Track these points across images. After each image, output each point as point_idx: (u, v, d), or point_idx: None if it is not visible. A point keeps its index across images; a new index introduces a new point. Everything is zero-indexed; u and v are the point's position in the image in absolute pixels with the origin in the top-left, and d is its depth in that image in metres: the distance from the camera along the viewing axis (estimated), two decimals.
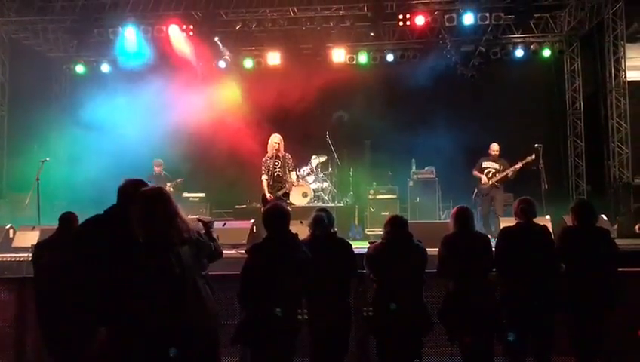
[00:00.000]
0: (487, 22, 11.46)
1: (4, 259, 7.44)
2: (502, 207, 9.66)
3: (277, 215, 4.28)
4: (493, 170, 9.82)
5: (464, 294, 4.60)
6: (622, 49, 11.72)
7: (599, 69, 12.45)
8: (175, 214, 3.28)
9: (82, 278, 3.23)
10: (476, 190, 10.05)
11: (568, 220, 6.29)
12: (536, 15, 12.36)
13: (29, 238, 7.72)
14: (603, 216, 8.41)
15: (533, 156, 9.48)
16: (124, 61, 12.66)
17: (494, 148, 9.93)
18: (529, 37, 12.70)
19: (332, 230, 4.88)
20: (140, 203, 3.25)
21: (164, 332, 3.15)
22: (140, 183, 3.51)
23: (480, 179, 9.88)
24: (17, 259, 7.23)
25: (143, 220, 3.22)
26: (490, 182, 9.77)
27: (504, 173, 9.69)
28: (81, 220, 4.67)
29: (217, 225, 7.33)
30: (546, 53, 12.65)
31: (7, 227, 8.77)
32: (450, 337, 4.78)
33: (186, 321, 3.19)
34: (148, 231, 3.20)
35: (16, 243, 8.38)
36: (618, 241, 5.81)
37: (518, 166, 9.56)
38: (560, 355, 5.06)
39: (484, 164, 9.94)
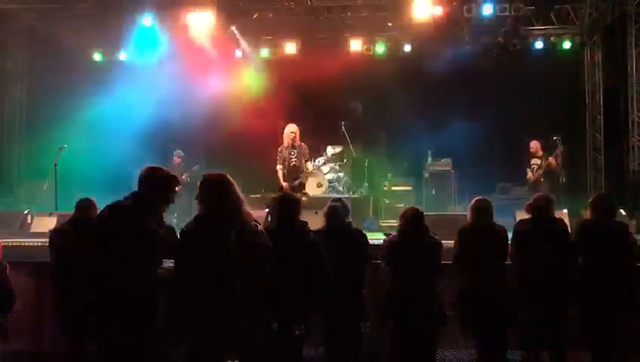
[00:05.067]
0: (506, 13, 11.26)
1: (23, 244, 7.52)
2: None
3: (283, 202, 4.37)
4: (536, 166, 10.02)
5: (479, 286, 4.58)
6: None
7: (620, 62, 12.23)
8: (237, 204, 3.39)
9: (101, 262, 3.24)
10: (526, 185, 10.21)
11: (586, 214, 6.20)
12: (556, 6, 12.19)
13: (46, 224, 7.79)
14: (622, 210, 8.31)
15: (562, 148, 9.68)
16: (141, 49, 12.72)
17: (532, 146, 10.13)
18: (549, 28, 12.51)
19: (347, 220, 4.87)
20: (205, 185, 3.47)
21: (179, 320, 3.16)
22: (157, 170, 3.51)
23: (526, 174, 10.16)
24: (35, 244, 7.30)
25: (202, 199, 3.41)
26: (534, 177, 9.94)
27: (541, 169, 9.86)
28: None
29: None
30: (567, 45, 12.47)
31: (26, 213, 8.87)
32: (464, 329, 4.76)
33: (202, 312, 3.19)
34: (207, 209, 3.38)
35: (34, 229, 8.48)
36: (637, 236, 5.72)
37: (551, 160, 9.73)
38: (574, 349, 5.01)
39: (531, 161, 10.15)
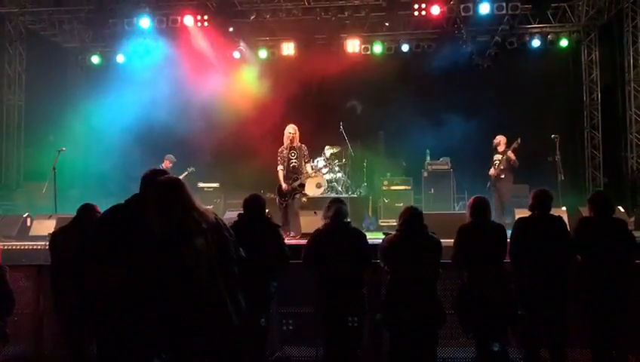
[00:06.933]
0: (503, 11, 11.29)
1: (22, 246, 7.54)
2: (508, 198, 9.68)
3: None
4: (497, 161, 9.87)
5: (479, 285, 4.58)
6: None
7: (617, 59, 12.26)
8: (191, 204, 3.26)
9: (98, 265, 3.23)
10: (489, 182, 10.08)
11: (585, 211, 6.23)
12: (553, 4, 12.22)
13: (45, 227, 7.82)
14: (620, 207, 8.34)
15: (519, 140, 9.48)
16: (139, 52, 12.72)
17: (495, 140, 10.00)
18: (546, 27, 12.53)
19: (346, 220, 4.87)
20: (156, 192, 3.23)
21: (173, 326, 3.12)
22: (160, 173, 3.49)
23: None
24: (34, 246, 7.31)
25: (159, 210, 3.18)
26: (495, 173, 9.81)
27: (499, 163, 9.73)
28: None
29: (232, 215, 7.37)
30: (564, 43, 12.49)
31: (25, 216, 8.88)
32: (464, 328, 4.76)
33: (196, 317, 3.15)
34: (163, 221, 3.17)
35: (33, 232, 8.49)
36: (635, 234, 5.74)
37: (509, 154, 9.54)
38: (573, 348, 5.02)
39: (494, 157, 10.00)
